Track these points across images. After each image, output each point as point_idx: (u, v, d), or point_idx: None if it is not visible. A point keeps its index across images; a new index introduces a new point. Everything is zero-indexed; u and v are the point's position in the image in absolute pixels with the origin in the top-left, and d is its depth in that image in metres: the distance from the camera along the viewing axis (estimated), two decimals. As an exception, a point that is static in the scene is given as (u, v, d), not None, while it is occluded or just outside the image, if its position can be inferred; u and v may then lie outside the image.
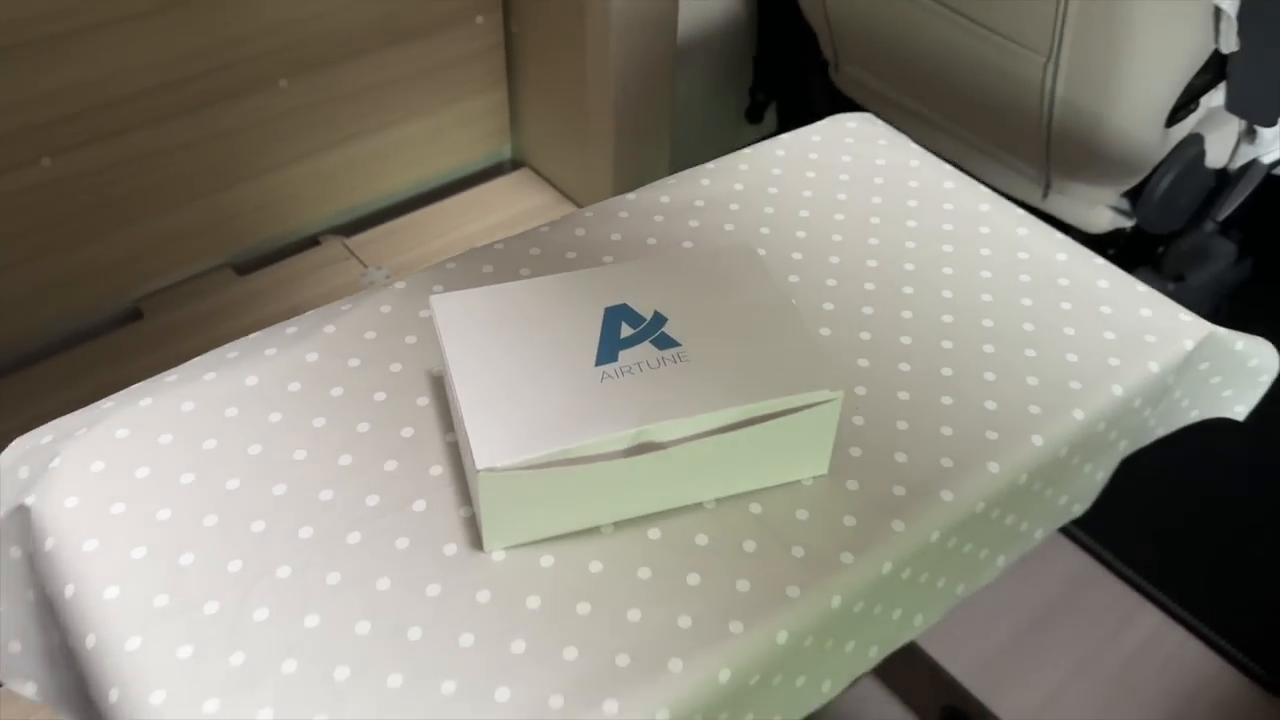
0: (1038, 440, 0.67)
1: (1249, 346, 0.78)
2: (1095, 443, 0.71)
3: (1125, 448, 0.76)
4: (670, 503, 0.61)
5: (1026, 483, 0.67)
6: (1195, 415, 0.83)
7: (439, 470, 0.63)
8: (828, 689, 0.63)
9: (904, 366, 0.71)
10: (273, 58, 1.36)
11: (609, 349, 0.61)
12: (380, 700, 0.52)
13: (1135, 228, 1.34)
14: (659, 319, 0.63)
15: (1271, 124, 1.16)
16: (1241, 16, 1.01)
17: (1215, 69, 1.12)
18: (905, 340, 0.73)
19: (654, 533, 0.61)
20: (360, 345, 0.71)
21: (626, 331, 0.62)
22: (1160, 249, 1.38)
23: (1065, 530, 1.56)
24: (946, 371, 0.71)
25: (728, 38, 1.67)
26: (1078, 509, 0.76)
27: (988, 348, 0.73)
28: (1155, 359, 0.73)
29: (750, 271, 0.67)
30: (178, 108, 1.30)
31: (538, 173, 1.67)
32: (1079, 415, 0.69)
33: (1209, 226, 1.35)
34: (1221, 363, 0.79)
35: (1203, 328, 0.76)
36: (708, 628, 0.56)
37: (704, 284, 0.66)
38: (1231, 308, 1.85)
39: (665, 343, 0.62)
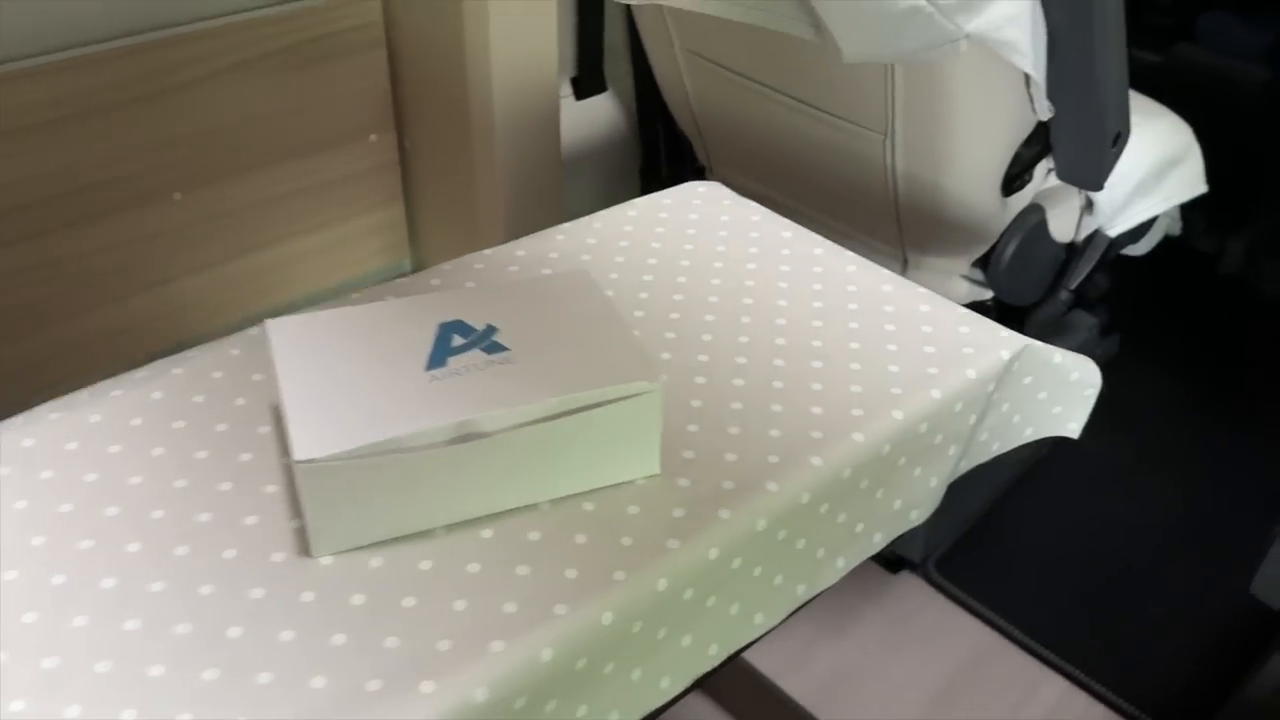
0: (859, 437, 0.69)
1: (1068, 360, 0.83)
2: (919, 444, 0.73)
3: (956, 455, 0.78)
4: (502, 504, 0.62)
5: (852, 478, 0.69)
6: (1030, 433, 0.87)
7: (274, 489, 0.63)
8: (666, 685, 0.63)
9: (738, 381, 0.74)
10: (167, 171, 1.40)
11: (439, 356, 0.63)
12: (193, 692, 0.51)
13: (997, 300, 1.41)
14: (490, 329, 0.65)
15: (1098, 188, 1.25)
16: (1050, 83, 1.11)
17: (1042, 139, 1.21)
18: (740, 360, 0.76)
19: (486, 532, 0.61)
20: (206, 383, 0.72)
21: (458, 342, 0.64)
22: (1023, 320, 1.45)
23: (964, 604, 1.58)
24: (777, 384, 0.73)
25: (613, 150, 1.75)
26: (916, 515, 0.78)
27: (816, 363, 0.76)
28: (973, 367, 0.77)
29: (581, 289, 0.70)
30: (80, 216, 1.33)
31: (436, 282, 1.71)
32: (898, 415, 0.72)
33: (1064, 296, 1.43)
34: (1044, 377, 0.83)
35: (1019, 340, 0.80)
36: (533, 612, 0.56)
37: (536, 300, 0.69)
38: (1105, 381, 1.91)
39: (494, 349, 0.64)
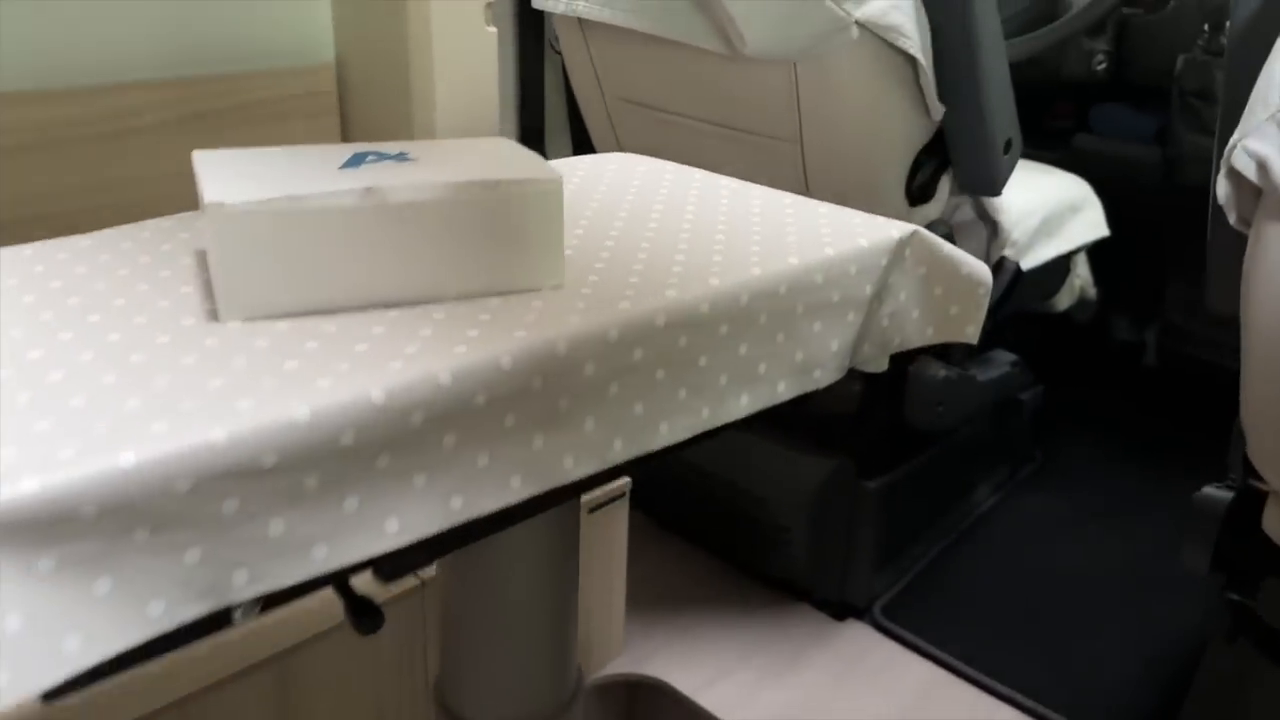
0: (756, 271, 0.73)
1: (958, 254, 0.88)
2: (816, 296, 0.77)
3: (856, 324, 0.82)
4: (407, 290, 0.65)
5: (750, 307, 0.72)
6: (932, 334, 0.90)
7: (189, 289, 0.66)
8: (570, 465, 0.63)
9: (642, 253, 0.78)
10: (106, 211, 1.45)
11: (353, 162, 0.67)
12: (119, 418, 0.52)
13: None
14: (403, 154, 0.70)
15: (996, 193, 1.34)
16: (939, 87, 1.22)
17: (941, 151, 1.32)
18: (644, 245, 0.81)
19: (392, 313, 0.64)
20: (154, 251, 0.75)
21: (371, 158, 0.69)
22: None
23: (911, 645, 1.55)
24: (679, 256, 0.78)
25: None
26: (819, 375, 0.81)
27: (719, 238, 0.81)
28: (864, 238, 0.82)
29: (501, 144, 0.76)
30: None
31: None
32: (794, 261, 0.76)
33: (978, 319, 1.49)
34: (937, 270, 0.88)
35: (909, 226, 0.85)
36: (436, 348, 0.58)
37: (453, 143, 0.74)
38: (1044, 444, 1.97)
39: (404, 159, 0.68)
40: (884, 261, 0.83)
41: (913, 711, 1.44)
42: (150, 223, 0.79)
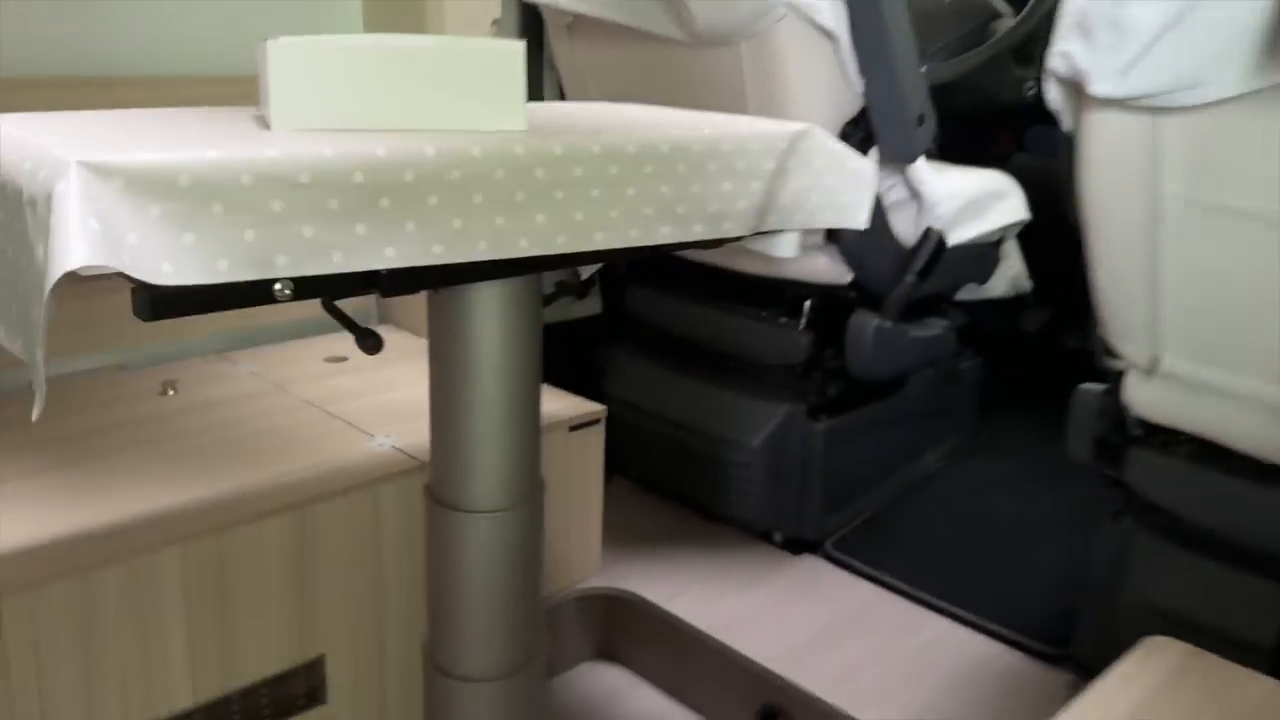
0: (674, 133, 0.95)
1: (847, 150, 1.09)
2: (724, 160, 0.97)
3: (760, 192, 1.03)
4: (409, 121, 0.87)
5: (669, 157, 0.93)
6: (831, 218, 1.11)
7: (250, 121, 0.88)
8: (524, 245, 0.84)
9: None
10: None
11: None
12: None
13: (857, 283, 1.68)
14: (408, 38, 0.93)
15: (912, 160, 1.56)
16: (859, 65, 1.45)
17: (865, 125, 1.54)
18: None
19: (396, 134, 0.86)
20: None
21: (385, 38, 0.92)
22: (880, 305, 1.71)
23: (857, 570, 1.72)
24: (623, 124, 1.00)
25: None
26: (729, 227, 1.01)
27: (655, 120, 1.03)
28: (767, 128, 1.04)
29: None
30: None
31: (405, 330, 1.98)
32: (707, 131, 0.98)
33: (909, 280, 1.69)
34: (830, 162, 1.09)
35: (805, 125, 1.07)
36: (426, 137, 0.80)
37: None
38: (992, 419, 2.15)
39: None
40: (782, 146, 1.04)
41: (853, 618, 1.60)
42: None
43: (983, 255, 1.88)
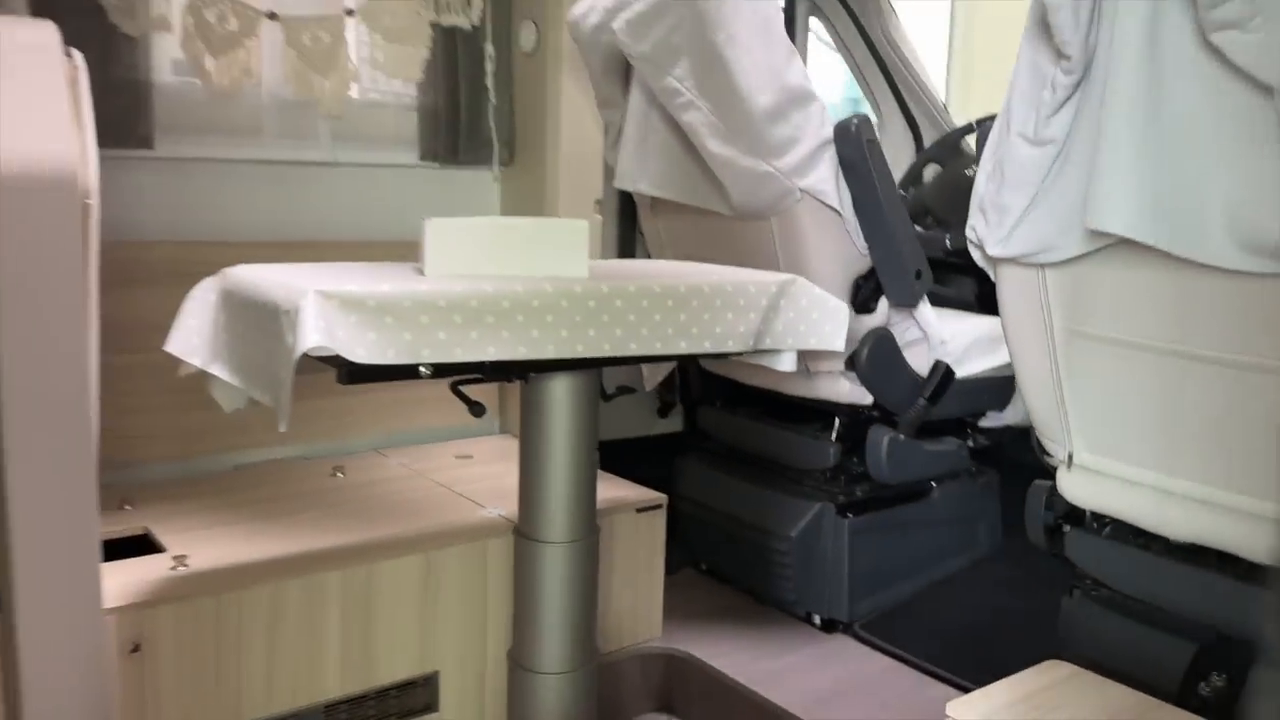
0: (694, 279, 1.36)
1: (826, 295, 1.47)
2: (728, 299, 1.38)
3: (756, 322, 1.41)
4: (520, 270, 1.31)
5: (685, 293, 1.34)
6: (815, 342, 1.48)
7: (409, 270, 1.34)
8: (580, 349, 1.25)
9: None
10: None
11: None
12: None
13: (877, 404, 2.02)
14: (515, 217, 1.39)
15: (914, 305, 1.92)
16: (864, 233, 1.84)
17: (874, 278, 1.92)
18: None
19: (517, 285, 1.29)
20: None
21: (500, 217, 1.37)
22: (896, 423, 2.04)
23: (879, 647, 1.99)
24: (654, 271, 1.41)
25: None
26: (732, 345, 1.39)
27: (679, 271, 1.44)
28: (763, 277, 1.43)
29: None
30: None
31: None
32: (715, 277, 1.38)
33: (920, 403, 2.02)
34: (814, 301, 1.47)
35: (792, 276, 1.46)
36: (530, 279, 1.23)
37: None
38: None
39: (515, 217, 1.37)
40: (774, 289, 1.44)
41: (872, 682, 1.87)
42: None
43: (997, 387, 2.19)
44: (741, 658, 1.95)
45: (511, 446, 2.28)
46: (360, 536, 1.68)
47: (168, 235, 1.93)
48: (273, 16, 2.01)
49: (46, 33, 1.32)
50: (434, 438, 2.35)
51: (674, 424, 2.55)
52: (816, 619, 2.09)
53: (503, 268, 1.31)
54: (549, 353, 1.24)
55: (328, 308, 1.08)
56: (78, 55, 1.33)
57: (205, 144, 2.00)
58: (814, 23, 2.96)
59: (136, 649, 1.41)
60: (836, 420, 2.06)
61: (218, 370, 1.28)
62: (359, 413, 2.24)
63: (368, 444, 2.26)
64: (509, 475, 2.07)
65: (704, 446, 2.36)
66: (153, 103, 1.89)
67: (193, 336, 1.32)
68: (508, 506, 1.85)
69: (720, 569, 2.28)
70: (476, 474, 2.08)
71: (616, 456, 2.30)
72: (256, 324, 1.18)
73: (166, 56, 1.96)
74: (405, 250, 1.99)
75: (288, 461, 2.12)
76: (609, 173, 2.19)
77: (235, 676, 1.50)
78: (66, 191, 1.26)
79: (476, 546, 1.71)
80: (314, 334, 1.05)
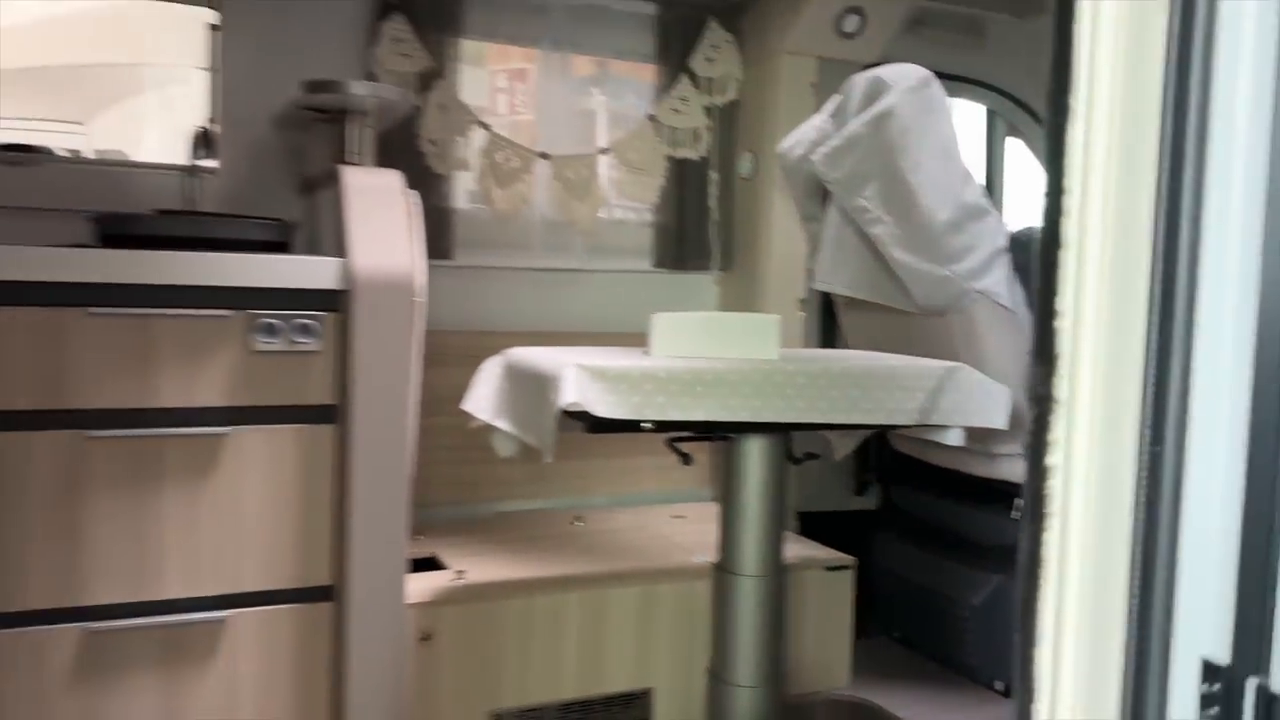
0: (871, 362, 1.64)
1: (989, 379, 1.70)
2: (900, 379, 1.64)
3: (924, 401, 1.66)
4: (722, 351, 1.64)
5: (861, 376, 1.62)
6: (977, 420, 1.71)
7: (638, 352, 1.71)
8: (769, 416, 1.56)
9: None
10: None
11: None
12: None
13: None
14: (724, 312, 1.73)
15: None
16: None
17: (1048, 370, 2.10)
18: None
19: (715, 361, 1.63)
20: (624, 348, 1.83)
21: (711, 312, 1.72)
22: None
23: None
24: (840, 358, 1.71)
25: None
26: (900, 417, 1.65)
27: (864, 358, 1.73)
28: (922, 365, 1.69)
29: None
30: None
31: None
32: (893, 362, 1.66)
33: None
34: (978, 386, 1.70)
35: (957, 364, 1.70)
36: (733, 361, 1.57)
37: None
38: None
39: (723, 312, 1.71)
40: (940, 372, 1.69)
41: None
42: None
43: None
44: (921, 710, 2.13)
45: (717, 513, 2.59)
46: (595, 568, 2.03)
47: (460, 326, 2.42)
48: (544, 156, 2.51)
49: (394, 179, 1.83)
50: (653, 500, 2.70)
51: (869, 501, 2.77)
52: (998, 684, 2.23)
53: (710, 350, 1.65)
54: (744, 417, 1.55)
55: (581, 376, 1.46)
56: (413, 194, 1.82)
57: (489, 256, 2.50)
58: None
59: (427, 638, 1.81)
60: (1015, 500, 2.23)
61: (500, 423, 1.69)
62: (592, 476, 2.62)
63: (599, 501, 2.64)
64: (715, 532, 2.38)
65: (897, 521, 2.57)
66: (454, 224, 2.40)
67: (482, 399, 1.74)
68: (713, 555, 2.15)
69: (910, 637, 2.46)
70: (688, 530, 2.40)
71: (816, 527, 2.56)
72: (530, 388, 1.58)
73: (464, 189, 2.49)
74: (638, 340, 2.38)
75: (537, 510, 2.53)
76: (810, 276, 2.51)
77: (497, 669, 1.87)
78: (405, 291, 1.73)
79: (686, 585, 2.02)
80: (572, 393, 1.42)
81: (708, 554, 2.17)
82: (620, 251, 2.67)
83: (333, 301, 1.70)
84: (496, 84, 2.77)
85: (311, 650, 1.74)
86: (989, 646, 2.21)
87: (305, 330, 1.68)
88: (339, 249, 1.72)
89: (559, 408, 1.43)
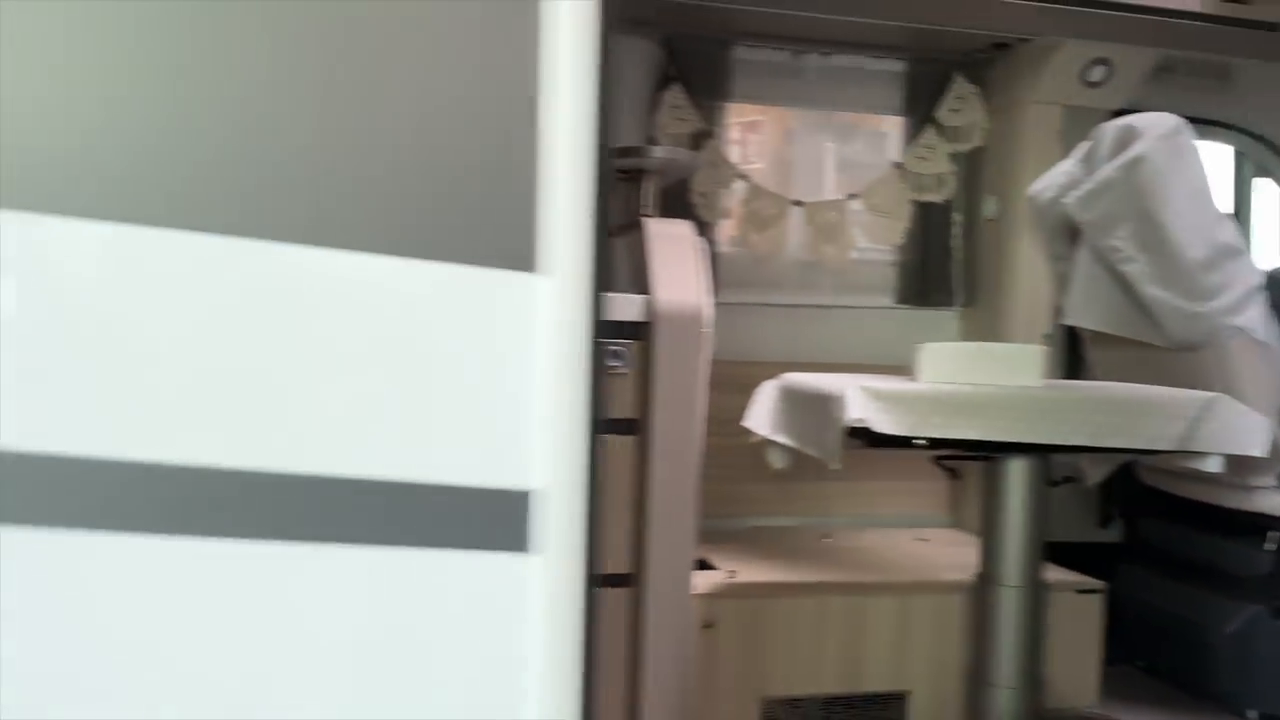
0: (1131, 391, 1.76)
1: (1247, 408, 1.76)
2: (1164, 407, 1.74)
3: (1184, 427, 1.75)
4: (984, 379, 1.80)
5: (1122, 402, 1.73)
6: (1234, 447, 1.77)
7: (909, 378, 1.89)
8: (1030, 437, 1.70)
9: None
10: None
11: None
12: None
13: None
14: (985, 343, 1.89)
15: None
16: (1296, 364, 2.07)
17: (1310, 406, 2.11)
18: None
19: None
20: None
21: (973, 343, 1.89)
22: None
23: None
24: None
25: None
26: (1163, 444, 1.75)
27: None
28: (1182, 394, 1.78)
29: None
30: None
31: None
32: (1153, 392, 1.76)
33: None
34: (1237, 415, 1.77)
35: (1216, 395, 1.78)
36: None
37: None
38: None
39: (985, 343, 1.88)
40: (1200, 402, 1.78)
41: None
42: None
43: None
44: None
45: (959, 538, 2.71)
46: (853, 577, 2.22)
47: (721, 356, 2.68)
48: (798, 203, 2.75)
49: (687, 228, 2.11)
50: (892, 522, 2.84)
51: (1112, 534, 2.80)
52: (1252, 714, 2.23)
53: (975, 377, 1.81)
54: (1013, 438, 1.70)
55: (863, 396, 1.66)
56: (702, 240, 2.10)
57: (747, 293, 2.75)
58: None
59: (709, 625, 2.05)
60: (1270, 532, 2.23)
61: (777, 438, 1.92)
62: (836, 497, 2.80)
63: (842, 521, 2.82)
64: (961, 555, 2.50)
65: (1143, 552, 2.60)
66: (718, 266, 2.67)
67: (760, 417, 1.97)
68: (963, 575, 2.29)
69: (1156, 665, 2.48)
70: (934, 551, 2.53)
71: (1060, 557, 2.62)
72: (812, 407, 1.80)
73: (726, 234, 2.76)
74: (883, 370, 2.54)
75: (786, 526, 2.74)
76: (1058, 312, 2.60)
77: (767, 660, 2.09)
78: (695, 324, 2.00)
79: (942, 599, 2.16)
80: (857, 410, 1.63)
81: (958, 574, 2.30)
82: (864, 289, 2.86)
83: (638, 331, 1.99)
84: (731, 136, 3.05)
85: (611, 631, 2.01)
86: (1243, 675, 2.22)
87: (617, 355, 1.97)
88: (639, 287, 2.02)
89: (844, 423, 1.64)
